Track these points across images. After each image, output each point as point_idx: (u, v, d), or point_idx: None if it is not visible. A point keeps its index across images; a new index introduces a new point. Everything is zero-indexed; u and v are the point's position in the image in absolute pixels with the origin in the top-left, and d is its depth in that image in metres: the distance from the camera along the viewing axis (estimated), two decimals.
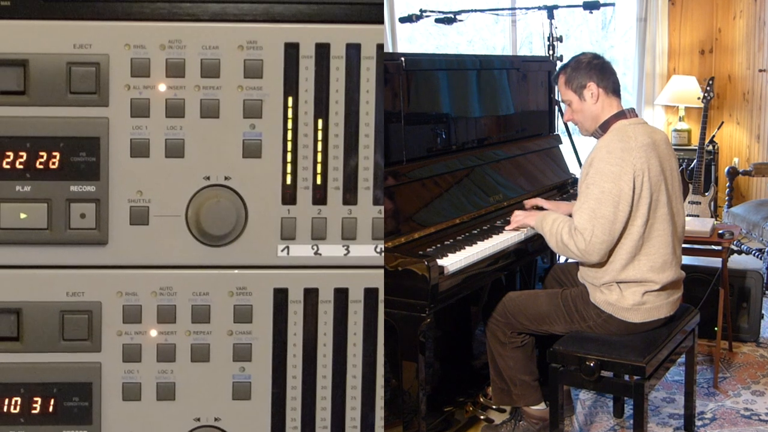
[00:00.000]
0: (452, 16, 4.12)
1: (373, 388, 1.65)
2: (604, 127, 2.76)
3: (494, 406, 3.09)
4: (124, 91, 1.58)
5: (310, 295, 1.64)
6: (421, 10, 4.06)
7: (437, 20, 4.13)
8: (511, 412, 3.08)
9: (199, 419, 1.64)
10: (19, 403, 1.60)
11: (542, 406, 2.96)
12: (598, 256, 2.60)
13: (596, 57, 2.85)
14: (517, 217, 2.97)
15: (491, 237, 2.85)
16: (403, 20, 4.19)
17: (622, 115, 2.75)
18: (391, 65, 2.77)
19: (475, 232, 2.91)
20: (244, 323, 1.63)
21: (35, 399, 1.60)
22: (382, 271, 1.67)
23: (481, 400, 3.15)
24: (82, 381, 1.60)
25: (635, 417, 2.61)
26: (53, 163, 1.56)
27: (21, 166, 1.56)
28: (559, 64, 3.90)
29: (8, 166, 1.56)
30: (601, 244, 2.58)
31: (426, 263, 2.45)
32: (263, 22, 1.60)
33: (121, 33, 1.56)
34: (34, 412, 1.60)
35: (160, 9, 1.58)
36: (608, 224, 2.57)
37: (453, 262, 2.59)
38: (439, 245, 2.72)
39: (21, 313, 1.58)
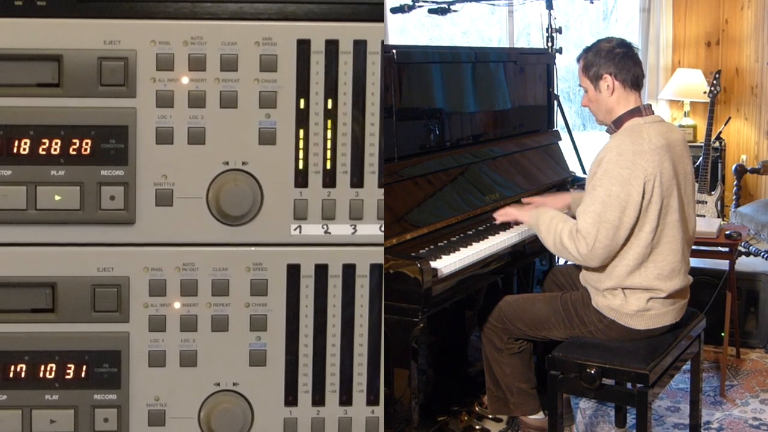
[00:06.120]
0: (446, 7, 4.32)
1: (378, 355, 2.07)
2: (618, 123, 2.93)
3: (490, 416, 3.37)
4: (150, 83, 1.97)
5: (321, 271, 2.04)
6: (413, 0, 4.25)
7: (430, 11, 4.34)
8: (508, 421, 3.35)
9: (218, 384, 2.05)
10: (53, 369, 2.00)
11: (540, 415, 3.23)
12: (598, 261, 2.82)
13: (620, 45, 2.95)
14: (509, 210, 3.16)
15: (487, 238, 3.10)
16: (394, 11, 4.38)
17: (637, 111, 2.90)
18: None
19: (471, 232, 3.19)
20: (260, 296, 2.03)
21: (68, 365, 2.00)
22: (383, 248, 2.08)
23: (477, 409, 3.42)
24: (112, 349, 2.01)
25: (638, 427, 2.81)
26: (85, 150, 1.96)
27: (56, 152, 1.95)
28: (558, 57, 4.17)
29: (44, 152, 1.95)
30: (603, 249, 2.77)
31: (418, 265, 2.65)
32: (277, 20, 1.99)
33: (148, 30, 1.95)
34: (67, 377, 2.01)
35: (183, 9, 1.98)
36: (613, 229, 2.75)
37: (447, 264, 2.81)
38: (432, 246, 2.97)
39: (56, 287, 1.98)
